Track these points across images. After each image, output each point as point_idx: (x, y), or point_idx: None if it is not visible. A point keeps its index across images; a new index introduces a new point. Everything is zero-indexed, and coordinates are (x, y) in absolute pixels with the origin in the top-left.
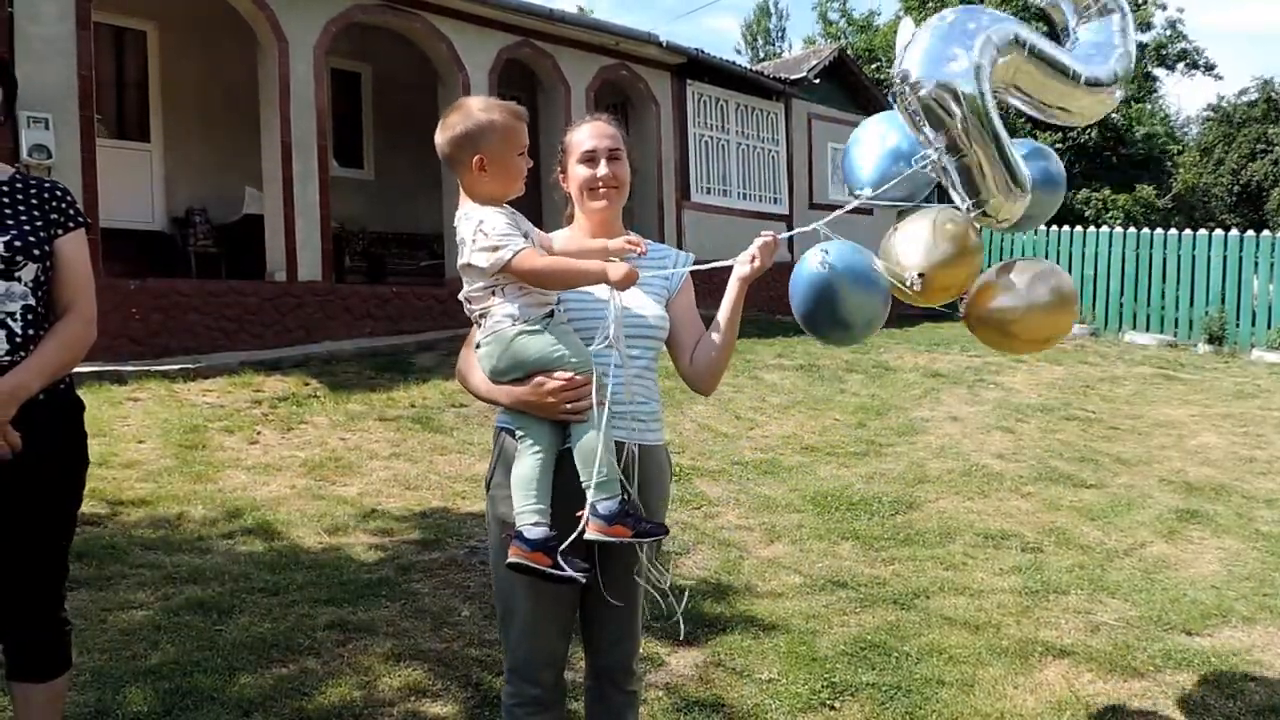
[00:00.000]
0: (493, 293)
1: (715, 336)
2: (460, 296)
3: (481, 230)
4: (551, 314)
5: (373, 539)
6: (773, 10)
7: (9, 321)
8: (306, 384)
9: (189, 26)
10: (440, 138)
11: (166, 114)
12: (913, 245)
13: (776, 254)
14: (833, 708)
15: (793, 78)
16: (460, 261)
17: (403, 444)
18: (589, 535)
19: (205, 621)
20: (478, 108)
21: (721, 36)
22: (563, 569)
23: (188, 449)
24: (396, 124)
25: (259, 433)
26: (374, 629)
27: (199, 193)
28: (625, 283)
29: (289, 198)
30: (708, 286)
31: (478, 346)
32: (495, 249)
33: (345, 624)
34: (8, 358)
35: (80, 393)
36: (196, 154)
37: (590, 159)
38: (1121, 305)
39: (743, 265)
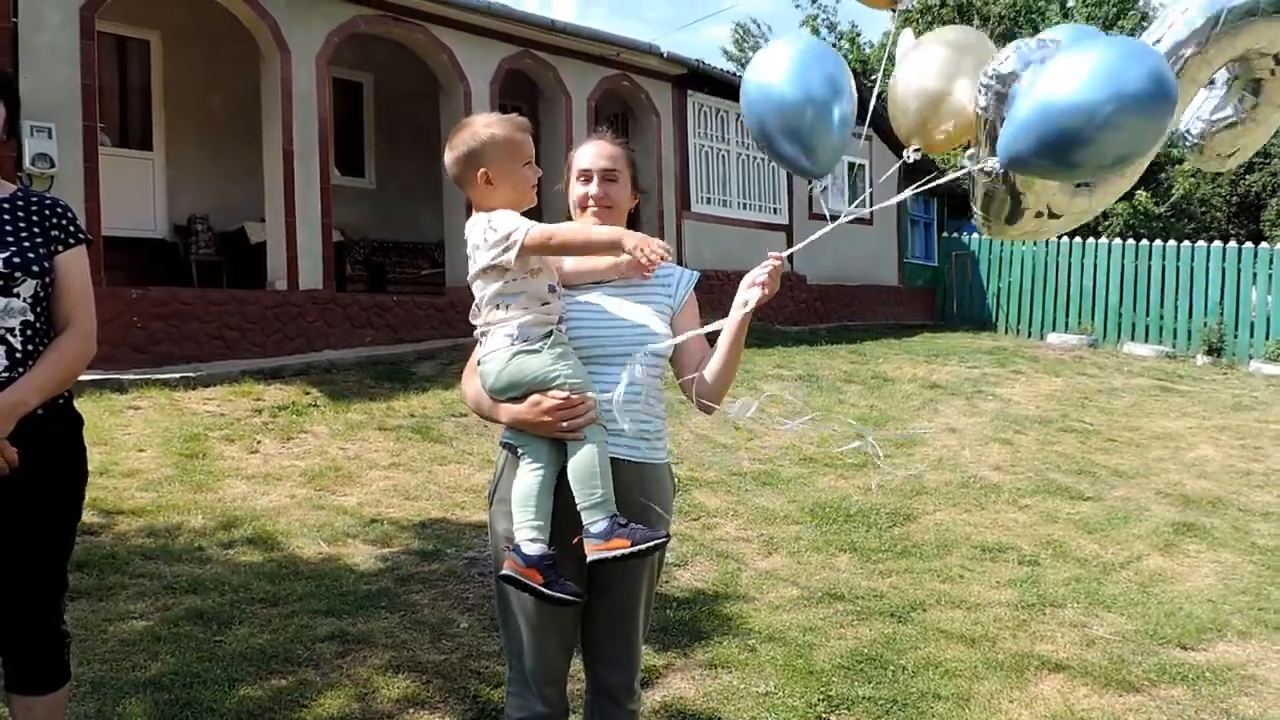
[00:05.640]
0: (497, 306)
1: (718, 357)
2: (471, 319)
3: (491, 226)
4: (550, 334)
5: (372, 549)
6: (753, 31)
7: (8, 337)
8: (307, 393)
9: (192, 36)
10: (448, 158)
11: (169, 123)
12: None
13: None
14: None
15: None
16: (472, 271)
17: (402, 454)
18: (590, 556)
19: (205, 632)
20: (481, 124)
21: (726, 43)
22: (555, 589)
23: (188, 458)
24: (398, 133)
25: (259, 442)
26: (373, 640)
27: (201, 201)
28: (639, 250)
29: (290, 206)
30: (710, 298)
31: (479, 364)
32: (506, 237)
33: (344, 635)
34: (6, 374)
35: (81, 401)
36: (199, 162)
37: (585, 178)
38: (1120, 316)
39: (750, 293)
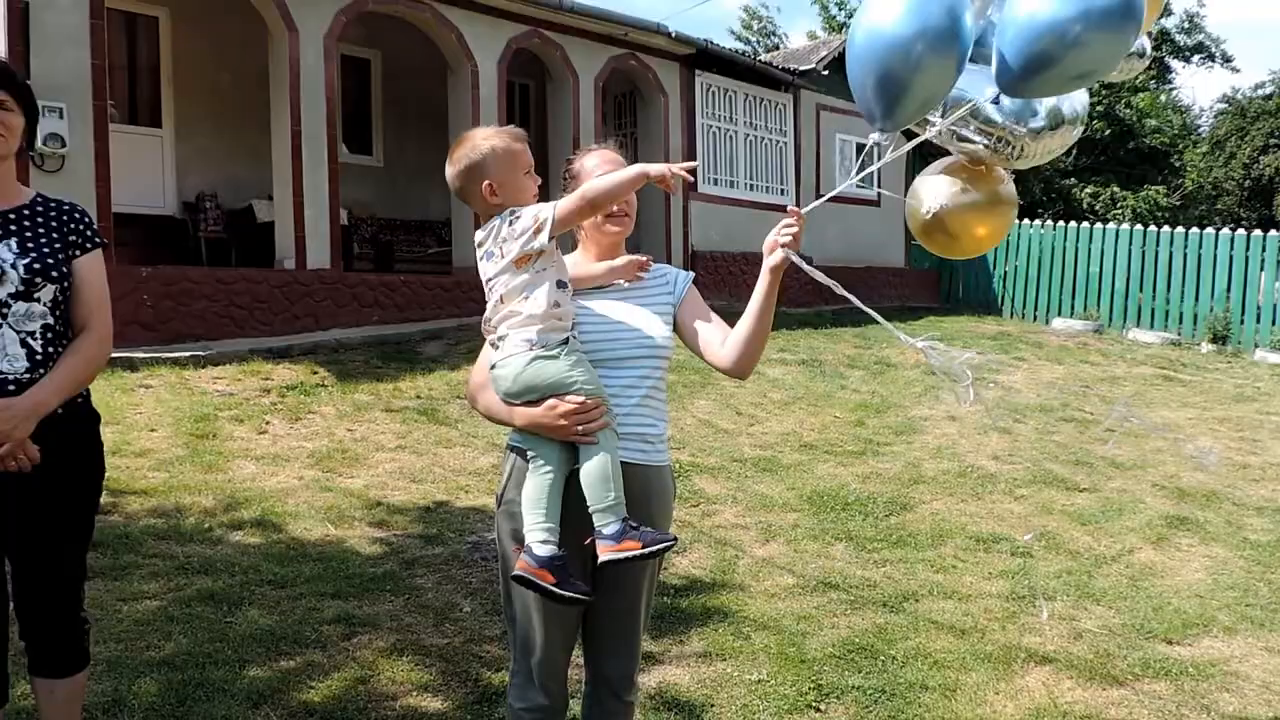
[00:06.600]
0: (526, 298)
1: (747, 324)
2: (484, 320)
3: (514, 217)
4: (567, 340)
5: (378, 532)
6: (760, 15)
7: (29, 340)
8: (315, 372)
9: (200, 12)
10: (450, 172)
11: (178, 100)
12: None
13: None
14: (819, 710)
15: (801, 69)
16: (496, 269)
17: (408, 436)
18: (603, 558)
19: (216, 613)
20: (480, 137)
21: (732, 21)
22: (566, 589)
23: (198, 438)
24: (407, 111)
25: (268, 422)
26: (378, 623)
27: (210, 178)
28: (667, 174)
29: (298, 185)
30: (716, 279)
31: (492, 368)
32: (535, 219)
33: (350, 618)
34: (28, 375)
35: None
36: (207, 140)
37: None
38: (1126, 302)
39: (776, 255)
